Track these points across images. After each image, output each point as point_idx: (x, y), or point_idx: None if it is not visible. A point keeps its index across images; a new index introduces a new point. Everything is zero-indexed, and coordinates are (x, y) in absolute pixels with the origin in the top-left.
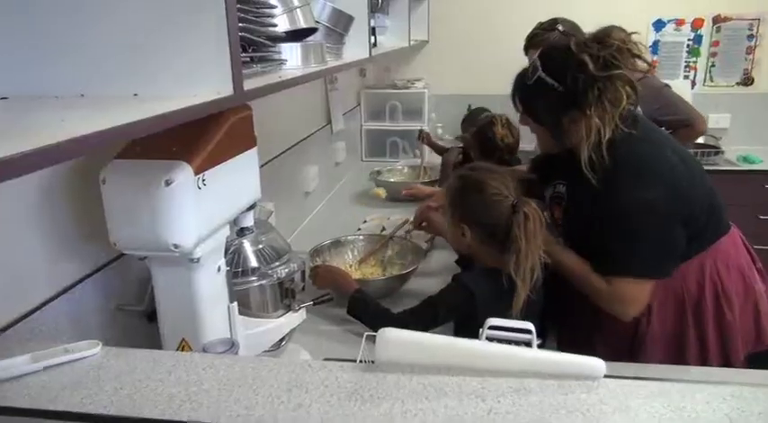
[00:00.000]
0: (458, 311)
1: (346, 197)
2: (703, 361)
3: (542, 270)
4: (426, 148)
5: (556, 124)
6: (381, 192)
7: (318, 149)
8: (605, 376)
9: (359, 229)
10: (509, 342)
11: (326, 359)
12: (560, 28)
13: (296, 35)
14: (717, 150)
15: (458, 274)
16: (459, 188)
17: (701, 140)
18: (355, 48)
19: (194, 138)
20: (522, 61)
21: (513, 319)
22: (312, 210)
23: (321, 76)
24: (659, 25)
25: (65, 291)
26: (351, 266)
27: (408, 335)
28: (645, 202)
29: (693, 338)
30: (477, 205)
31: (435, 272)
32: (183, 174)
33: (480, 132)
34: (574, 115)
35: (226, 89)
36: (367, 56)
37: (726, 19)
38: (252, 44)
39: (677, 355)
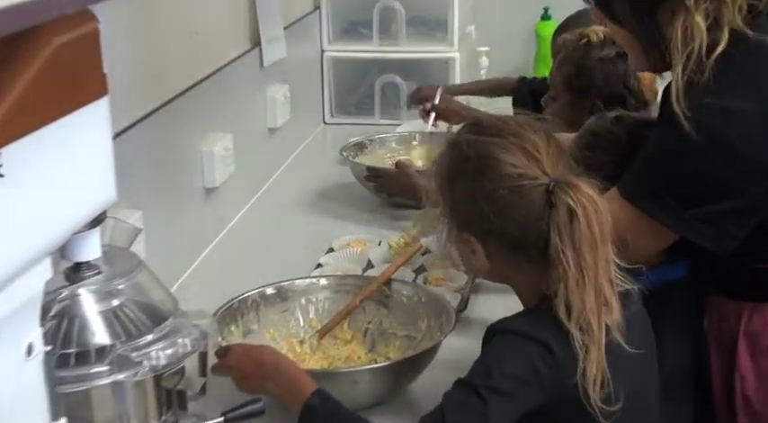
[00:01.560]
0: (527, 395)
1: (294, 198)
2: None
3: (638, 297)
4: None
5: (644, 24)
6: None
7: (233, 101)
8: None
9: (318, 267)
10: None
11: None
12: None
13: None
14: None
15: (496, 324)
16: (450, 168)
17: None
18: None
19: None
20: None
21: (592, 405)
22: (222, 225)
23: None
24: None
25: None
26: (303, 345)
27: None
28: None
29: None
30: (484, 200)
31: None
32: None
33: (591, 64)
34: (671, 8)
35: None
36: None
37: None
38: None
39: None
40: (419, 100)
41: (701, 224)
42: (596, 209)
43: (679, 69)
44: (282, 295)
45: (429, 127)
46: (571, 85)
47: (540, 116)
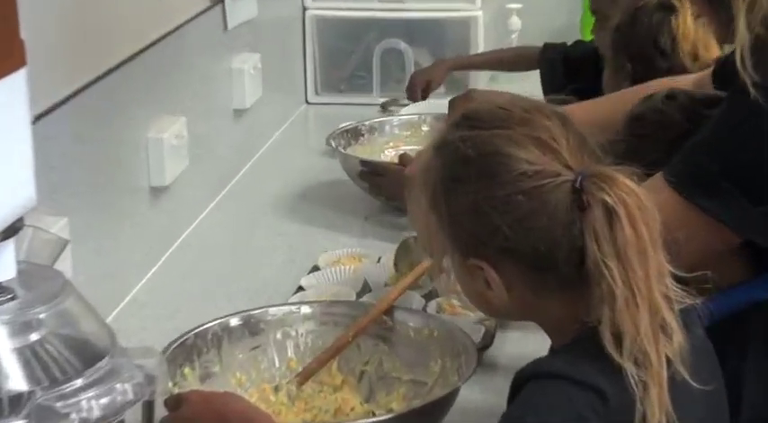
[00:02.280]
0: None
1: (267, 201)
2: None
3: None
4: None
5: None
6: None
7: (188, 74)
8: None
9: (299, 290)
10: None
11: None
12: None
13: None
14: None
15: (529, 368)
16: (444, 177)
17: None
18: None
19: None
20: None
21: None
22: (175, 235)
23: None
24: None
25: None
26: (278, 392)
27: None
28: None
29: None
30: (495, 210)
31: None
32: None
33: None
34: None
35: None
36: None
37: None
38: None
39: None
40: (422, 84)
41: None
42: (640, 204)
43: (742, 24)
44: (252, 327)
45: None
46: (612, 43)
47: (568, 98)
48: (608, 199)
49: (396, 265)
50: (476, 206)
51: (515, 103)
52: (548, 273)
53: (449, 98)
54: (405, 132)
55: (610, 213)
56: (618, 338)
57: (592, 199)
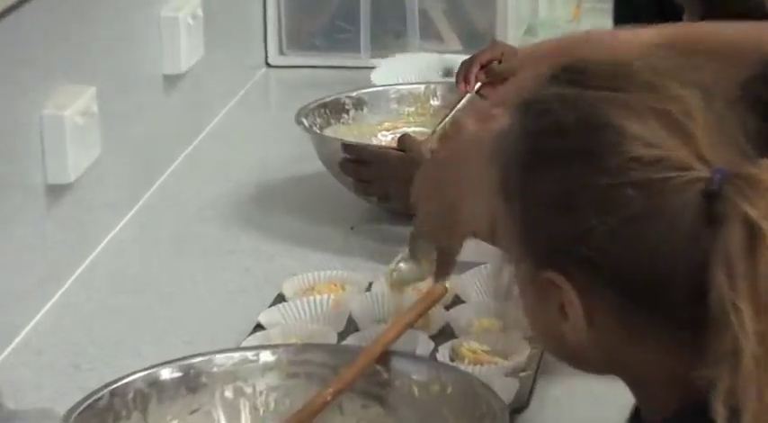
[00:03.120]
0: None
1: (212, 203)
2: None
3: None
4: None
5: None
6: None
7: (99, 28)
8: None
9: (257, 329)
10: None
11: None
12: None
13: None
14: None
15: None
16: (528, 149)
17: None
18: None
19: None
20: None
21: None
22: (84, 250)
23: None
24: None
25: None
26: None
27: None
28: None
29: None
30: (593, 207)
31: None
32: None
33: None
34: None
35: None
36: None
37: None
38: None
39: None
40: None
41: None
42: None
43: None
44: (191, 382)
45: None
46: None
47: None
48: (753, 214)
49: (414, 256)
50: (566, 196)
51: (643, 61)
52: (650, 307)
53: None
54: (406, 108)
55: (753, 235)
56: (735, 414)
57: (731, 211)
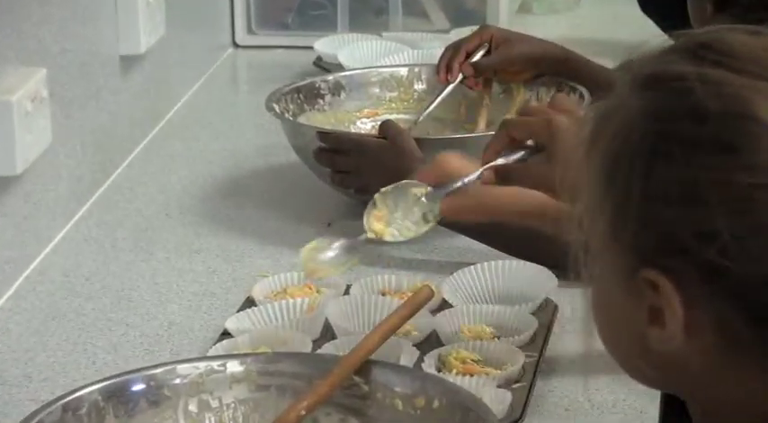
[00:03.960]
0: None
1: (175, 196)
2: None
3: None
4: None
5: None
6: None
7: (50, 4)
8: None
9: (224, 337)
10: None
11: None
12: None
13: None
14: None
15: None
16: (655, 131)
17: None
18: None
19: None
20: None
21: None
22: (31, 252)
23: None
24: None
25: None
26: None
27: None
28: None
29: None
30: (723, 205)
31: None
32: None
33: None
34: None
35: None
36: None
37: None
38: None
39: None
40: (462, 59)
41: None
42: None
43: None
44: (151, 395)
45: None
46: None
47: None
48: None
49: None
50: (694, 190)
51: None
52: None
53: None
54: (388, 93)
55: None
56: None
57: None
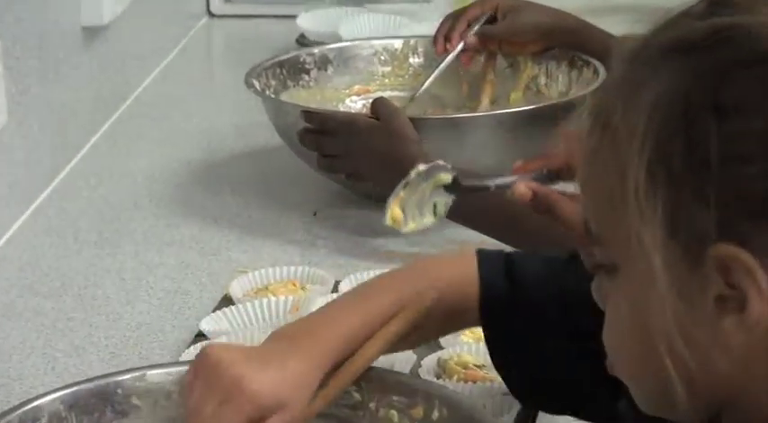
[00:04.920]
0: None
1: (144, 182)
2: None
3: None
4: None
5: None
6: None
7: None
8: None
9: (197, 340)
10: None
11: None
12: None
13: None
14: None
15: None
16: (717, 86)
17: None
18: None
19: None
20: None
21: None
22: None
23: None
24: None
25: None
26: None
27: None
28: None
29: None
30: None
31: None
32: None
33: None
34: None
35: None
36: None
37: None
38: None
39: None
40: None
41: None
42: None
43: None
44: (117, 405)
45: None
46: None
47: None
48: None
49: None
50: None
51: None
52: None
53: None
54: (381, 67)
55: None
56: None
57: None
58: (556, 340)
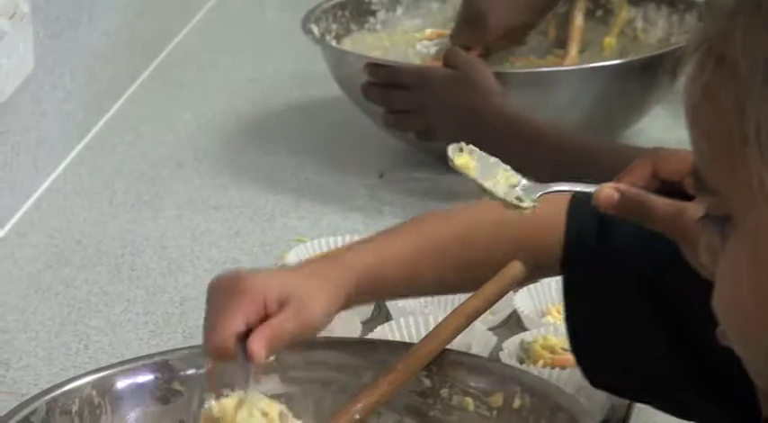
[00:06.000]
0: None
1: (183, 141)
2: None
3: None
4: None
5: None
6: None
7: None
8: None
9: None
10: None
11: None
12: None
13: None
14: None
15: None
16: None
17: None
18: None
19: None
20: None
21: None
22: (12, 209)
23: None
24: None
25: None
26: None
27: None
28: None
29: None
30: None
31: None
32: None
33: None
34: None
35: None
36: None
37: None
38: None
39: None
40: None
41: None
42: None
43: None
44: (160, 389)
45: None
46: None
47: None
48: None
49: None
50: None
51: None
52: None
53: None
54: (457, 7)
55: None
56: None
57: None
58: (640, 302)
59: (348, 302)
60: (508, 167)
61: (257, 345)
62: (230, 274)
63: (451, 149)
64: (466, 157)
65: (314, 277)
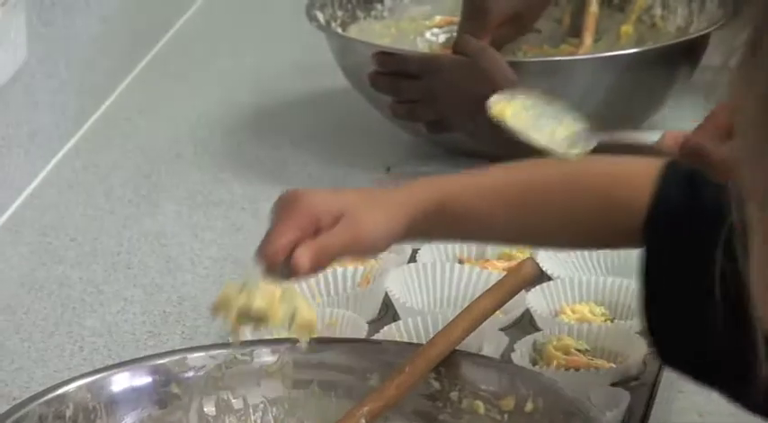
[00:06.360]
0: None
1: (184, 130)
2: None
3: None
4: None
5: None
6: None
7: None
8: None
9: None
10: None
11: None
12: None
13: None
14: None
15: None
16: None
17: None
18: None
19: None
20: None
21: None
22: (2, 205)
23: None
24: None
25: None
26: None
27: None
28: None
29: None
30: None
31: None
32: None
33: None
34: None
35: None
36: None
37: None
38: None
39: None
40: None
41: None
42: None
43: None
44: (156, 393)
45: None
46: None
47: None
48: None
49: None
50: None
51: None
52: None
53: None
54: None
55: None
56: None
57: None
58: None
59: (413, 226)
60: (569, 112)
61: (303, 257)
62: (293, 190)
63: (494, 98)
64: (504, 104)
65: (375, 196)
